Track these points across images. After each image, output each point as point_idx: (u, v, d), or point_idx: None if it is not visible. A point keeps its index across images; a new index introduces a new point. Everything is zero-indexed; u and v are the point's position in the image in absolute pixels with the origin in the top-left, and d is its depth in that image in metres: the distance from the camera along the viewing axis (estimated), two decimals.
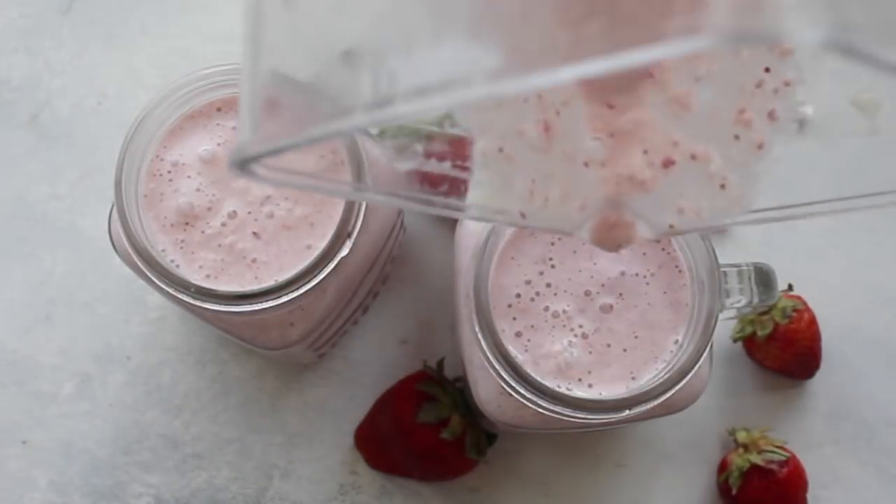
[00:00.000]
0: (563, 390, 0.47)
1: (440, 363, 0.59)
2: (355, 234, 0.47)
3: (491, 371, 0.47)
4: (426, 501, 0.61)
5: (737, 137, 0.38)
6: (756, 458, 0.58)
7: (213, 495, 0.61)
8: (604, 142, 0.36)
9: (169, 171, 0.49)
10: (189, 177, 0.49)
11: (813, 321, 0.60)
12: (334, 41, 0.32)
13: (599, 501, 0.61)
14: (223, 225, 0.49)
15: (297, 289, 0.47)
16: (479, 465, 0.59)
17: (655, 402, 0.47)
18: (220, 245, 0.49)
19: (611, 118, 0.36)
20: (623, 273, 0.49)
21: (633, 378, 0.48)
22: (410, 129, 0.61)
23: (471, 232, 0.50)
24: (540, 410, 0.47)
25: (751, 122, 0.37)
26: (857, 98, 0.38)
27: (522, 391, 0.46)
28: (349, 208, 0.47)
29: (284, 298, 0.47)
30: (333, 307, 0.51)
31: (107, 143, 0.63)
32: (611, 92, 0.36)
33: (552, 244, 0.49)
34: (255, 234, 0.49)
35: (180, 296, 0.47)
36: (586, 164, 0.36)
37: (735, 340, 0.61)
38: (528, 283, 0.49)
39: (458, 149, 0.40)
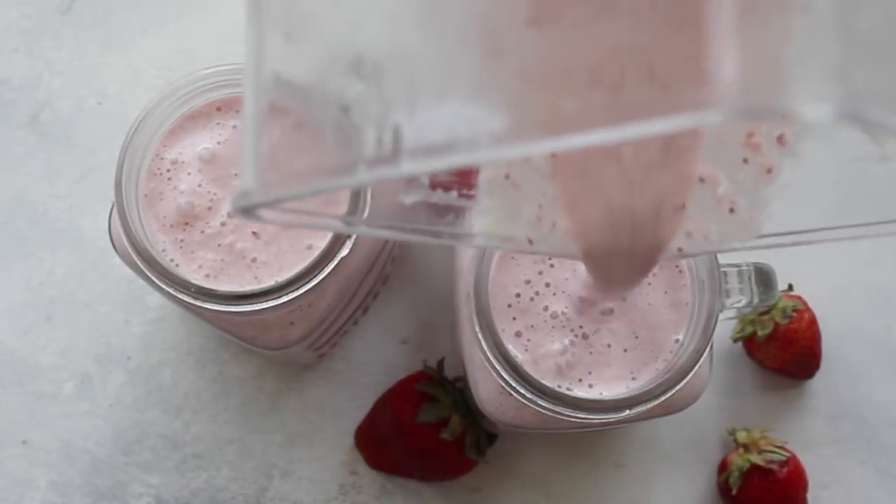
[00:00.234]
0: (563, 390, 0.47)
1: (440, 363, 0.59)
2: (355, 234, 0.47)
3: (491, 371, 0.47)
4: (426, 501, 0.61)
5: (745, 161, 0.37)
6: (756, 458, 0.58)
7: (213, 495, 0.61)
8: None
9: (168, 170, 0.49)
10: (189, 174, 0.49)
11: (813, 321, 0.60)
12: (338, 88, 0.32)
13: (599, 501, 0.61)
14: (223, 224, 0.49)
15: (297, 289, 0.47)
16: (479, 465, 0.59)
17: (655, 402, 0.47)
18: (219, 245, 0.49)
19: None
20: None
21: (633, 378, 0.48)
22: None
23: None
24: (540, 410, 0.47)
25: (759, 146, 0.37)
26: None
27: (522, 391, 0.46)
28: (349, 208, 0.47)
29: (284, 298, 0.47)
30: (333, 307, 0.51)
31: (107, 143, 0.63)
32: None
33: None
34: (254, 233, 0.49)
35: (180, 296, 0.47)
36: None
37: (735, 340, 0.61)
38: (528, 282, 0.49)
39: (464, 178, 0.40)
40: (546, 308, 0.48)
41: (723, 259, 0.48)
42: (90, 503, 0.61)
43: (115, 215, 0.47)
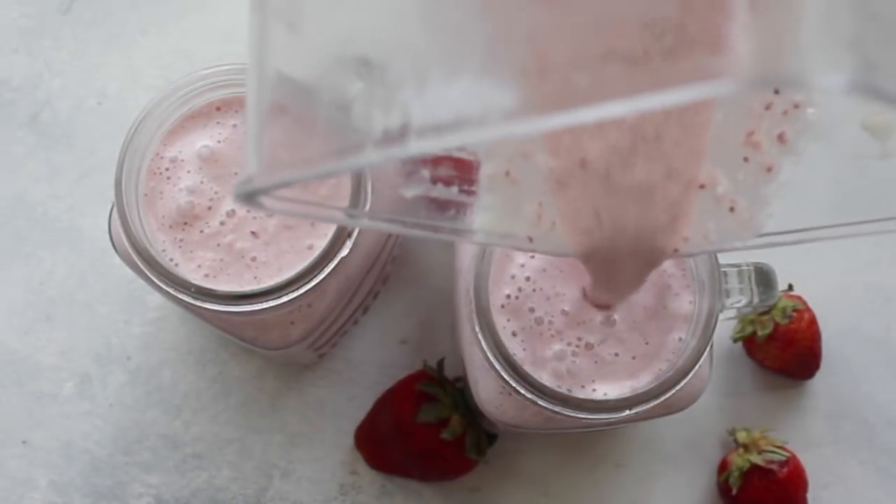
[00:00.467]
0: (563, 390, 0.47)
1: (440, 363, 0.59)
2: (356, 233, 0.47)
3: (491, 371, 0.47)
4: (426, 501, 0.61)
5: (746, 160, 0.37)
6: (756, 458, 0.58)
7: (213, 495, 0.61)
8: None
9: (167, 169, 0.49)
10: (189, 171, 0.49)
11: (813, 321, 0.60)
12: (342, 81, 0.32)
13: (599, 501, 0.61)
14: (222, 224, 0.49)
15: (297, 289, 0.47)
16: (479, 465, 0.59)
17: (655, 402, 0.47)
18: (218, 244, 0.49)
19: None
20: None
21: (633, 378, 0.48)
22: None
23: None
24: (540, 410, 0.47)
25: (759, 144, 0.37)
26: (869, 121, 0.38)
27: (522, 391, 0.46)
28: (351, 202, 0.47)
29: (285, 298, 0.47)
30: (334, 307, 0.51)
31: (107, 143, 0.63)
32: None
33: None
34: (253, 233, 0.49)
35: (180, 296, 0.47)
36: None
37: (735, 340, 0.61)
38: (528, 279, 0.49)
39: (465, 173, 0.40)
40: (548, 312, 0.48)
41: (723, 259, 0.48)
42: (90, 503, 0.61)
43: (115, 215, 0.47)
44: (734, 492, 0.58)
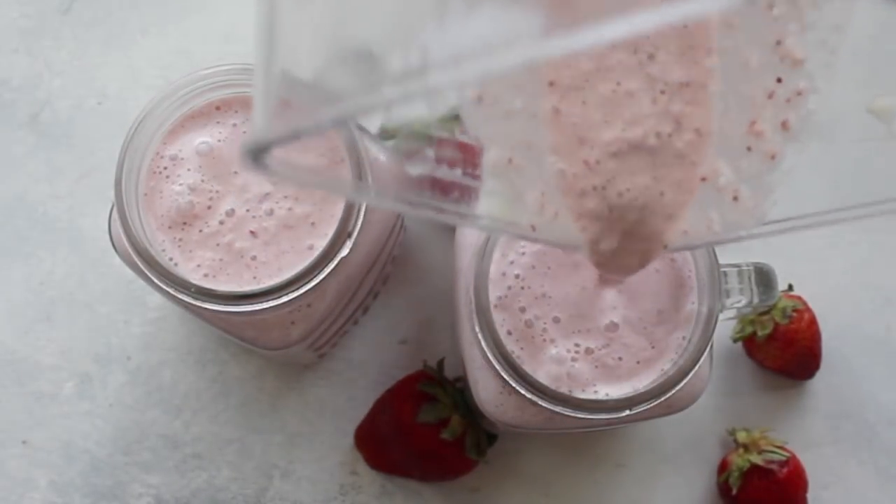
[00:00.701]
0: (563, 390, 0.47)
1: (440, 363, 0.59)
2: (356, 233, 0.47)
3: (491, 371, 0.47)
4: (426, 501, 0.61)
5: (749, 149, 0.37)
6: (756, 458, 0.58)
7: (213, 495, 0.61)
8: None
9: (166, 168, 0.49)
10: (189, 169, 0.49)
11: (813, 321, 0.60)
12: (357, 28, 0.31)
13: (599, 501, 0.61)
14: (221, 223, 0.49)
15: (297, 289, 0.47)
16: (479, 465, 0.59)
17: (655, 402, 0.47)
18: (217, 244, 0.49)
19: None
20: None
21: (635, 378, 0.48)
22: (416, 133, 0.61)
23: (471, 232, 0.50)
24: (540, 410, 0.47)
25: (763, 133, 0.37)
26: (874, 105, 0.38)
27: (522, 391, 0.46)
28: (349, 208, 0.47)
29: (285, 298, 0.47)
30: (334, 307, 0.51)
31: (107, 143, 0.63)
32: None
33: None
34: (252, 232, 0.49)
35: (180, 296, 0.47)
36: None
37: (735, 340, 0.61)
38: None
39: (469, 156, 0.40)
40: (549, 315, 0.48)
41: (723, 259, 0.48)
42: (90, 503, 0.61)
43: (115, 215, 0.47)
44: (734, 492, 0.58)
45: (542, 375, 0.47)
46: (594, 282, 0.47)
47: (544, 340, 0.48)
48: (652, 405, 0.46)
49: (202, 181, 0.49)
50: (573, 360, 0.48)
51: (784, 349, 0.60)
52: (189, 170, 0.49)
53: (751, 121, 0.37)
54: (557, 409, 0.46)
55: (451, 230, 0.53)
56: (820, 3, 0.36)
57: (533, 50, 0.27)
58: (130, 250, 0.47)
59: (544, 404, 0.46)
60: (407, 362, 0.62)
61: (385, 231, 0.52)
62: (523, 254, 0.48)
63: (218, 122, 0.50)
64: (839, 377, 0.62)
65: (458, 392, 0.58)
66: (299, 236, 0.49)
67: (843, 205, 0.38)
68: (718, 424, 0.61)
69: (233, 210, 0.49)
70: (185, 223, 0.49)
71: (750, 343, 0.61)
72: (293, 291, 0.47)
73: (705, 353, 0.47)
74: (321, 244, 0.48)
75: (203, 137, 0.50)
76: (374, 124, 0.52)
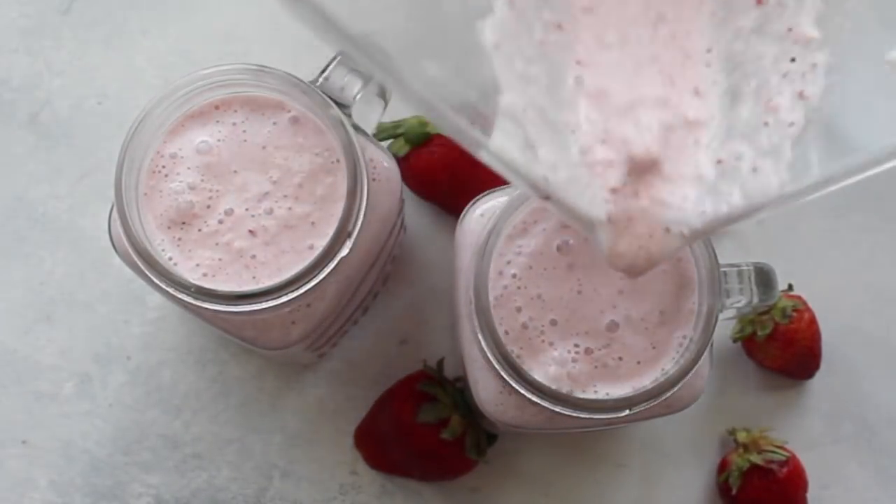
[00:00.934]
0: (563, 390, 0.47)
1: (440, 363, 0.59)
2: (356, 233, 0.47)
3: (491, 371, 0.47)
4: (426, 501, 0.61)
5: (766, 124, 0.38)
6: (756, 458, 0.58)
7: (213, 495, 0.61)
8: None
9: (165, 167, 0.49)
10: (189, 168, 0.49)
11: (813, 321, 0.60)
12: None
13: (599, 501, 0.61)
14: (220, 223, 0.49)
15: (297, 289, 0.47)
16: (479, 465, 0.59)
17: (655, 402, 0.47)
18: (217, 244, 0.49)
19: None
20: None
21: (636, 378, 0.48)
22: (413, 132, 0.61)
23: (471, 231, 0.50)
24: (540, 410, 0.47)
25: (779, 107, 0.37)
26: (892, 56, 0.38)
27: (522, 391, 0.46)
28: (349, 208, 0.47)
29: (284, 298, 0.47)
30: (333, 307, 0.51)
31: (107, 143, 0.63)
32: None
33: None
34: (251, 231, 0.49)
35: (180, 296, 0.47)
36: None
37: (735, 340, 0.61)
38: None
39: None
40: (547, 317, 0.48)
41: (723, 259, 0.48)
42: (90, 503, 0.61)
43: (115, 215, 0.47)
44: (734, 492, 0.58)
45: (541, 375, 0.47)
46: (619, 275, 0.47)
47: (542, 342, 0.48)
48: (652, 405, 0.46)
49: (201, 180, 0.49)
50: (573, 360, 0.48)
51: (784, 349, 0.60)
52: (188, 168, 0.49)
53: (766, 100, 0.37)
54: (557, 408, 0.46)
55: (450, 229, 0.53)
56: None
57: None
58: (130, 250, 0.47)
59: (544, 404, 0.46)
60: (407, 362, 0.62)
61: (385, 231, 0.52)
62: (519, 254, 0.48)
63: (217, 122, 0.50)
64: (839, 377, 0.62)
65: (458, 392, 0.58)
66: (299, 236, 0.49)
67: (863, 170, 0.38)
68: (718, 424, 0.61)
69: (232, 209, 0.49)
70: (184, 223, 0.49)
71: (750, 343, 0.61)
72: (293, 291, 0.47)
73: (705, 354, 0.47)
74: (321, 244, 0.48)
75: (203, 137, 0.50)
76: (371, 125, 0.52)
